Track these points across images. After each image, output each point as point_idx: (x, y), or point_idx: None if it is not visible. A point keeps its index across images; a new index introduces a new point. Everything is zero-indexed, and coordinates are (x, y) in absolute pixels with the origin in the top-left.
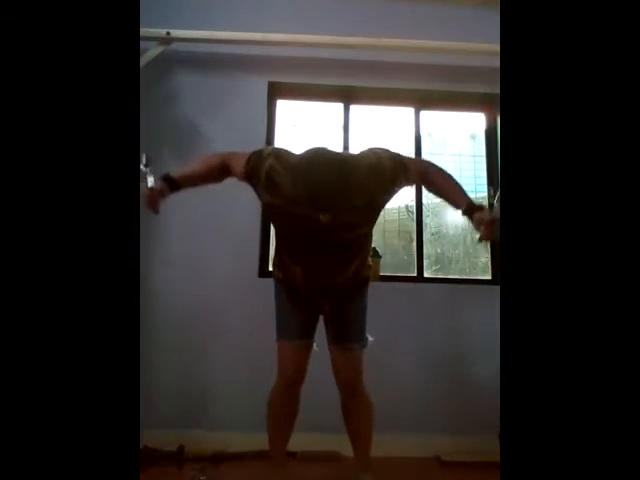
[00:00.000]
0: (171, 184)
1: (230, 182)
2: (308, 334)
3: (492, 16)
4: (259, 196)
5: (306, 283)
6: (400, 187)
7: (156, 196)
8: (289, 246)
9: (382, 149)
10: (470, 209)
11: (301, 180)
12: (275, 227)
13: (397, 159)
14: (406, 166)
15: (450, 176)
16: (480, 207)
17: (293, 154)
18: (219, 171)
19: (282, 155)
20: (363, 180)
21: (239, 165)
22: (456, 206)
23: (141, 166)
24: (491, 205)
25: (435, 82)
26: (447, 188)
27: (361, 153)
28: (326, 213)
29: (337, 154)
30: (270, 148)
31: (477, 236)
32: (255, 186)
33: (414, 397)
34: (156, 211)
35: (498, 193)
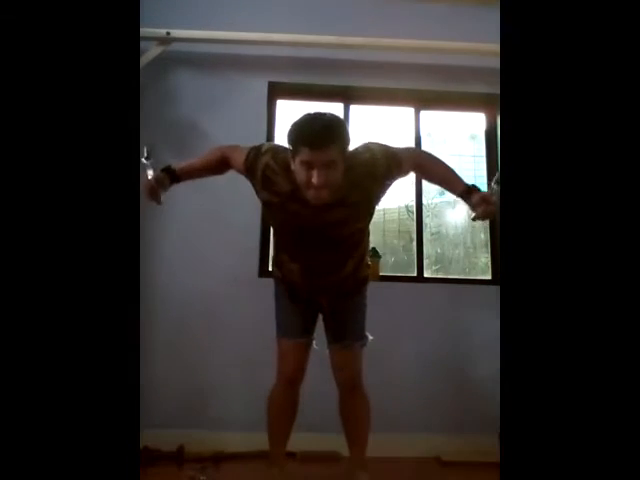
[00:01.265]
0: (172, 175)
1: (230, 182)
2: (308, 332)
3: (492, 16)
4: (256, 192)
5: (304, 281)
6: (394, 180)
7: (156, 187)
8: (286, 244)
9: (376, 144)
10: (467, 191)
11: (296, 129)
12: (272, 225)
13: (390, 154)
14: (400, 160)
15: (442, 162)
16: (477, 190)
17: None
18: (219, 163)
19: (279, 152)
20: (357, 177)
21: (239, 158)
22: (452, 191)
23: (142, 159)
24: (489, 186)
25: (435, 82)
26: (441, 175)
27: (355, 150)
28: (320, 154)
29: None
30: (268, 145)
31: (473, 215)
32: (252, 182)
33: (414, 397)
34: (158, 202)
35: (497, 175)
